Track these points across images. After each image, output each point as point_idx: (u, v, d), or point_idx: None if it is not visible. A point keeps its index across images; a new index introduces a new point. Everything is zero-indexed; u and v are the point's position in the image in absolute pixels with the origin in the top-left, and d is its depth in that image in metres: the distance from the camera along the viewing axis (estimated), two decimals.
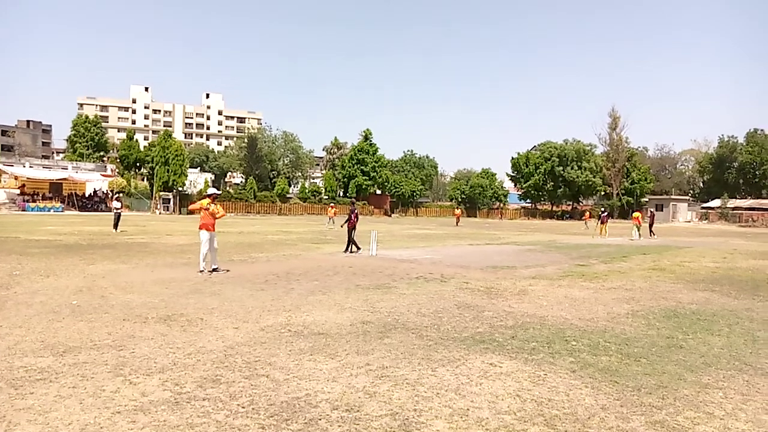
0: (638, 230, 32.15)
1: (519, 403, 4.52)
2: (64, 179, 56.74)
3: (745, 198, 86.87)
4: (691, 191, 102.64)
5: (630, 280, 12.66)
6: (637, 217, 33.49)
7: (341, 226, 18.56)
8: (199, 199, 12.28)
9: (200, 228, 12.04)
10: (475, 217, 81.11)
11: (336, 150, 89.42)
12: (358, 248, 17.71)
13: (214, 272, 11.88)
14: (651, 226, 34.44)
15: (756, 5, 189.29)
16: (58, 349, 5.78)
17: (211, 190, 13.02)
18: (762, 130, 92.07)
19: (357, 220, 18.26)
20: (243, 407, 4.28)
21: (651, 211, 37.39)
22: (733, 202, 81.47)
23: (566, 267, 15.14)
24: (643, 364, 5.76)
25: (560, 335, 6.96)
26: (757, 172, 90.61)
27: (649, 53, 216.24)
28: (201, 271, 11.85)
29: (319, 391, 4.66)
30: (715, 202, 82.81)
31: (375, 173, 77.15)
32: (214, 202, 12.45)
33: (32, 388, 4.57)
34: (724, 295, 10.81)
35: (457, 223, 51.37)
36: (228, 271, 12.35)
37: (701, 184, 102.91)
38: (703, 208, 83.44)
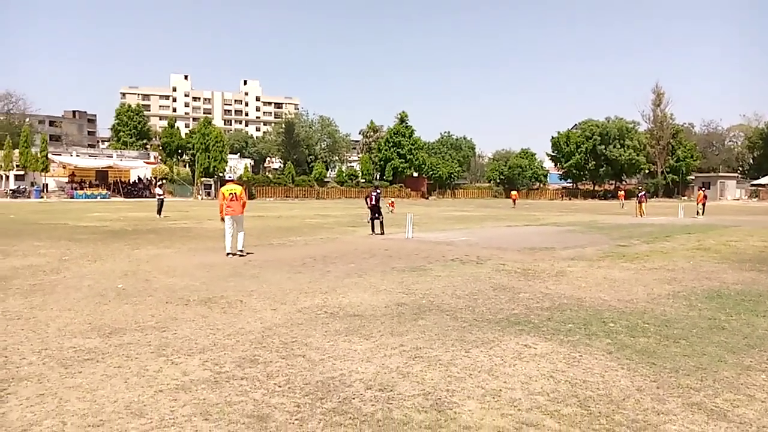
0: (703, 208, 33.28)
1: (552, 384, 4.50)
2: (110, 167, 58.55)
3: None
4: (740, 168, 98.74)
5: (672, 260, 12.35)
6: (701, 196, 34.45)
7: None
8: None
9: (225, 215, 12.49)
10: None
11: (372, 133, 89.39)
12: (373, 231, 17.96)
13: (236, 255, 12.19)
14: (703, 205, 34.05)
15: None
16: (104, 330, 6.03)
17: (228, 176, 13.51)
18: None
19: (377, 203, 18.39)
20: (279, 386, 4.40)
21: (703, 190, 36.72)
22: None
23: (606, 248, 14.87)
24: (683, 346, 5.65)
25: (598, 317, 6.88)
26: None
27: (693, 28, 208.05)
28: (228, 254, 12.24)
29: (353, 371, 4.75)
30: (766, 179, 79.58)
31: (411, 156, 76.88)
32: (242, 186, 12.84)
33: (80, 368, 4.79)
34: None
35: (514, 204, 50.80)
36: (251, 253, 12.65)
37: (751, 161, 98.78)
38: (753, 185, 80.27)
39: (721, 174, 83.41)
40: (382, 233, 17.88)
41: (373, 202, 18.43)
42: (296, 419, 3.78)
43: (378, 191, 19.07)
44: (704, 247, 15.18)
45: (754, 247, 15.21)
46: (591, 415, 3.91)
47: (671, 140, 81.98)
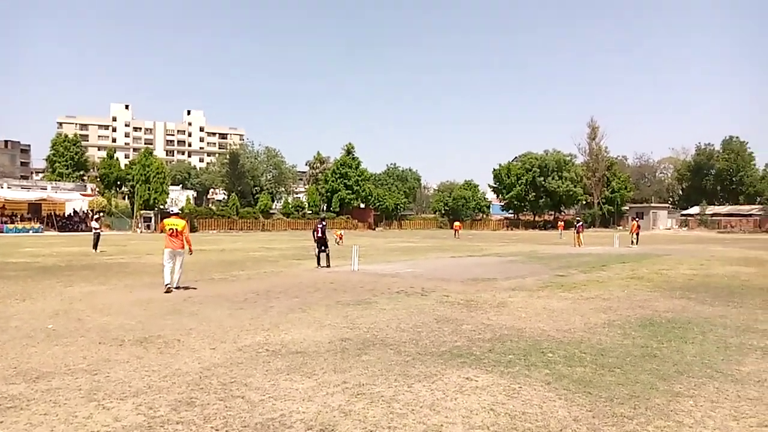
0: (637, 238, 35.09)
1: (493, 417, 4.56)
2: (43, 199, 56.05)
3: (723, 204, 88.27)
4: (671, 199, 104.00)
5: (608, 289, 12.80)
6: (634, 226, 36.58)
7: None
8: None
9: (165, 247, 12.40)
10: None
11: (319, 164, 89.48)
12: (318, 264, 17.92)
13: (174, 291, 11.98)
14: (637, 235, 35.75)
15: (731, 15, 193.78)
16: (30, 375, 5.71)
17: (171, 209, 13.42)
18: (737, 137, 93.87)
19: (323, 236, 18.36)
20: (216, 430, 4.27)
21: (636, 221, 38.52)
22: (711, 209, 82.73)
23: (546, 278, 15.27)
24: (617, 374, 5.83)
25: (537, 347, 7.03)
26: (733, 179, 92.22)
27: (627, 64, 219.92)
28: (166, 289, 12.01)
29: (294, 411, 4.66)
30: (694, 209, 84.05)
31: (358, 187, 77.23)
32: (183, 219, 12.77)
33: (2, 416, 4.51)
34: (700, 302, 10.97)
35: (456, 235, 51.84)
36: (192, 289, 12.45)
37: (680, 192, 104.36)
38: (683, 215, 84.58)
39: (653, 204, 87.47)
40: (328, 266, 17.79)
41: (319, 235, 18.36)
42: None
43: (323, 223, 19.00)
44: (638, 276, 15.81)
45: (683, 275, 15.95)
46: None
47: (606, 172, 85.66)
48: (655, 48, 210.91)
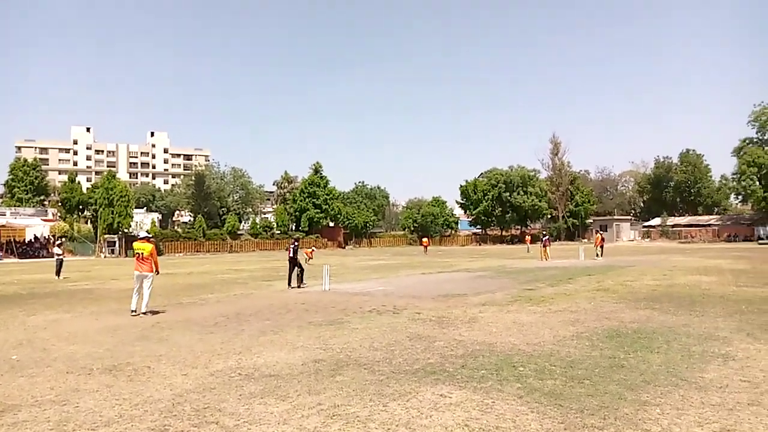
0: (601, 250, 35.70)
1: None
2: (2, 226, 54.45)
3: (683, 215, 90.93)
4: (633, 211, 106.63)
5: (575, 301, 13.06)
6: (599, 239, 37.06)
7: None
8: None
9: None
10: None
11: (287, 184, 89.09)
12: (289, 284, 17.87)
13: (140, 315, 11.94)
14: (602, 247, 36.38)
15: (685, 24, 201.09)
16: None
17: (140, 233, 13.58)
18: (694, 150, 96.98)
19: (294, 256, 18.35)
20: None
21: (600, 234, 39.33)
22: (672, 220, 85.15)
23: (515, 292, 15.49)
24: (587, 386, 5.97)
25: (508, 361, 7.14)
26: (692, 190, 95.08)
27: (587, 78, 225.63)
28: (132, 313, 12.01)
29: None
30: (656, 221, 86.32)
31: (327, 206, 77.09)
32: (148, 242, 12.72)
33: None
34: (664, 312, 11.28)
35: (425, 251, 52.22)
36: (160, 313, 12.40)
37: (641, 204, 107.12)
38: (645, 226, 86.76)
39: (616, 217, 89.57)
40: (299, 286, 17.72)
41: (291, 255, 18.31)
42: None
43: (296, 243, 18.99)
44: (604, 287, 16.16)
45: (647, 286, 16.37)
46: None
47: (570, 186, 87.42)
48: (615, 62, 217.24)
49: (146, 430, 4.84)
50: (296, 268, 18.14)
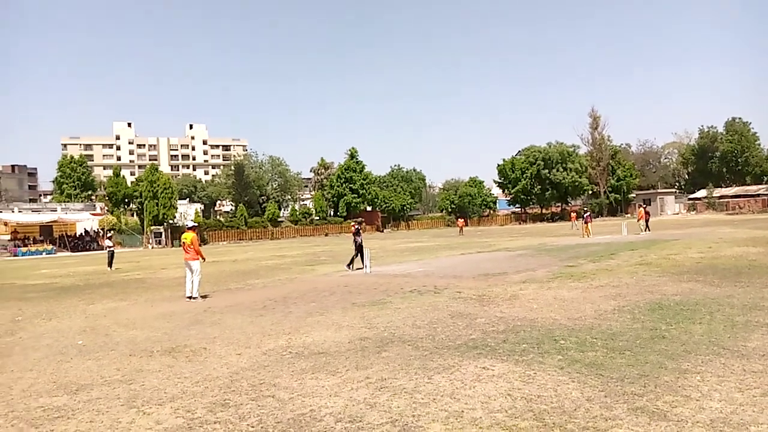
0: (646, 224, 34.83)
1: (510, 402, 4.83)
2: (54, 221, 56.73)
3: (730, 186, 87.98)
4: (677, 183, 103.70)
5: (617, 276, 13.03)
6: (642, 213, 36.17)
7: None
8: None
9: None
10: (467, 225, 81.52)
11: (323, 170, 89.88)
12: (350, 266, 18.27)
13: (192, 300, 12.73)
14: (647, 221, 35.60)
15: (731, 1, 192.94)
16: (70, 387, 6.04)
17: (187, 223, 14.64)
18: (740, 118, 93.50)
19: (358, 236, 19.00)
20: (252, 427, 4.57)
21: (644, 207, 38.51)
22: (718, 191, 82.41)
23: (556, 269, 15.51)
24: (627, 356, 6.09)
25: (549, 335, 7.29)
26: (739, 160, 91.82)
27: (624, 51, 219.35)
28: (187, 298, 12.87)
29: (322, 406, 4.96)
30: (702, 193, 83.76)
31: (364, 190, 77.59)
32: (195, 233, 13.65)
33: (51, 426, 4.84)
34: (708, 284, 11.18)
35: (460, 232, 52.10)
36: (209, 297, 13.17)
37: (686, 176, 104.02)
38: (690, 199, 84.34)
39: (659, 190, 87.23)
40: (351, 268, 18.30)
41: (355, 237, 18.99)
42: None
43: (358, 226, 19.77)
44: (646, 261, 16.01)
45: (691, 259, 16.13)
46: (546, 426, 4.24)
47: (610, 161, 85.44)
48: (653, 33, 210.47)
49: (208, 404, 5.21)
50: (361, 249, 18.59)
